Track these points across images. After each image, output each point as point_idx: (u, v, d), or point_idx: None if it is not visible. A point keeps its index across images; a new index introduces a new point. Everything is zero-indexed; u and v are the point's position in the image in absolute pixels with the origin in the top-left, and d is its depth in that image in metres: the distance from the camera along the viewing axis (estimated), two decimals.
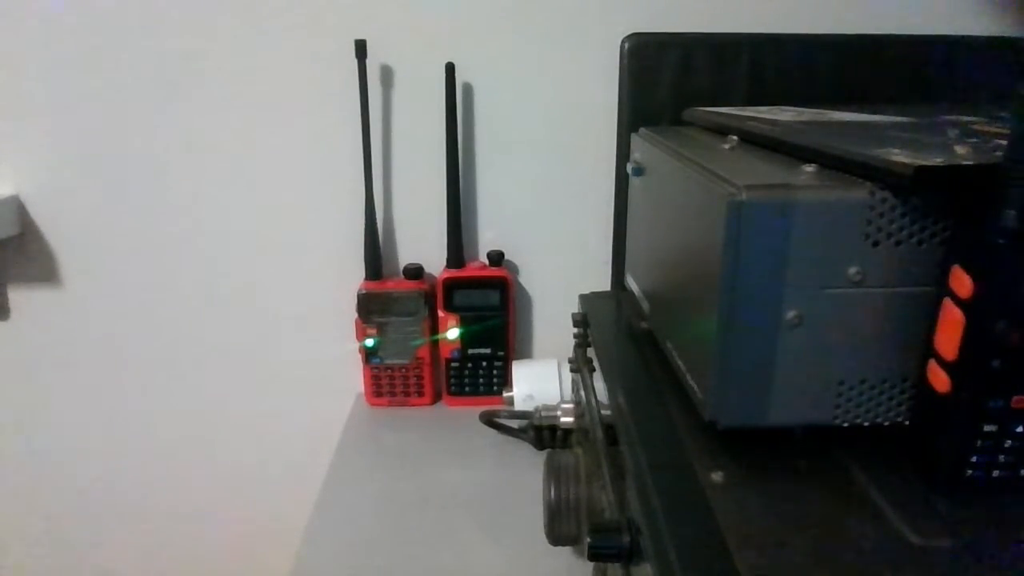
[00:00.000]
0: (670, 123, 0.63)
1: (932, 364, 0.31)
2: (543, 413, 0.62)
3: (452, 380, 0.74)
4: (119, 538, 0.84)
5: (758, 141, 0.43)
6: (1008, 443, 0.31)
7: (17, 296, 0.75)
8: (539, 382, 0.69)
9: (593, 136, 0.69)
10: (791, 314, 0.32)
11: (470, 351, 0.73)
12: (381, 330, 0.72)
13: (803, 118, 0.48)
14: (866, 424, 0.34)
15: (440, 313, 0.72)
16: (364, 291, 0.71)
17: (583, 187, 0.71)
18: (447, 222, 0.71)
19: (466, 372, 0.74)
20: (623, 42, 0.64)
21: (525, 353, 0.77)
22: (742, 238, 0.31)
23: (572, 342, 0.56)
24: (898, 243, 0.32)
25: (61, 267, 0.74)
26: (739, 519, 0.30)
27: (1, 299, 0.75)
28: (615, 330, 0.55)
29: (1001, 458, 0.31)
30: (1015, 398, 0.30)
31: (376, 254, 0.71)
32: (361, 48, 0.65)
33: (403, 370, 0.74)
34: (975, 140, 0.35)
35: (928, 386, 0.32)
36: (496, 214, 0.73)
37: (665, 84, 0.64)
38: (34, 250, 0.73)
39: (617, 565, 0.34)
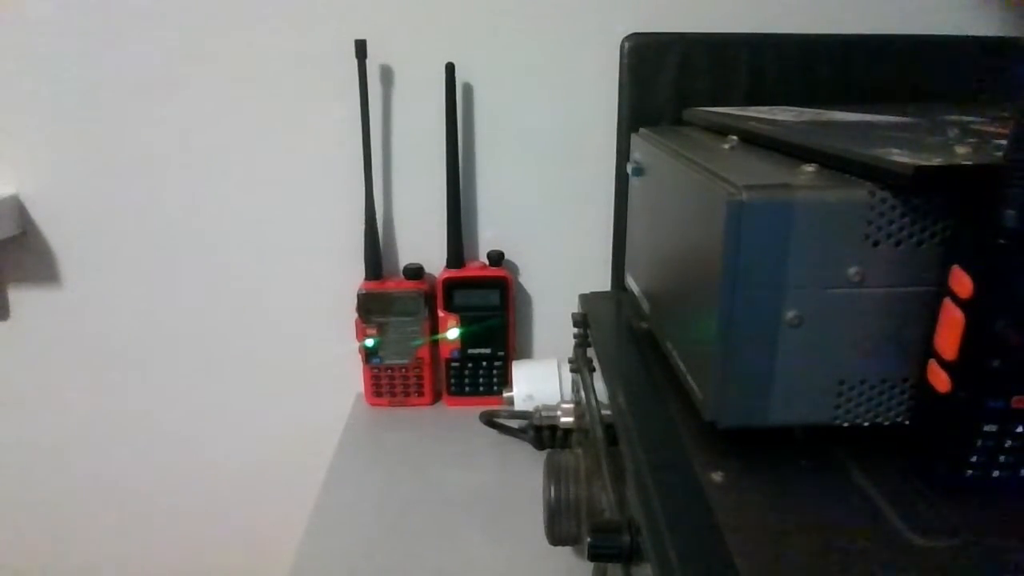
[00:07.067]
0: (670, 123, 0.63)
1: (932, 364, 0.31)
2: (543, 413, 0.62)
3: (452, 380, 0.74)
4: (119, 537, 0.84)
5: (758, 141, 0.43)
6: (1008, 443, 0.31)
7: (17, 296, 0.75)
8: (539, 382, 0.68)
9: (593, 136, 0.69)
10: (791, 314, 0.32)
11: (470, 351, 0.73)
12: (381, 330, 0.72)
13: (803, 118, 0.48)
14: (866, 424, 0.34)
15: (440, 313, 0.72)
16: (364, 291, 0.71)
17: (583, 187, 0.71)
18: (447, 222, 0.70)
19: (466, 372, 0.74)
20: (623, 42, 0.64)
21: (525, 353, 0.77)
22: (742, 238, 0.31)
23: (572, 342, 0.56)
24: (898, 243, 0.32)
25: (61, 267, 0.74)
26: (739, 519, 0.30)
27: (1, 299, 0.75)
28: (615, 330, 0.55)
29: (1001, 458, 0.31)
30: (1015, 398, 0.30)
31: (376, 254, 0.71)
32: (361, 48, 0.65)
33: (403, 370, 0.74)
34: (975, 140, 0.35)
35: (928, 386, 0.32)
36: (496, 214, 0.73)
37: (665, 84, 0.64)
38: (34, 250, 0.73)
39: (617, 565, 0.34)
